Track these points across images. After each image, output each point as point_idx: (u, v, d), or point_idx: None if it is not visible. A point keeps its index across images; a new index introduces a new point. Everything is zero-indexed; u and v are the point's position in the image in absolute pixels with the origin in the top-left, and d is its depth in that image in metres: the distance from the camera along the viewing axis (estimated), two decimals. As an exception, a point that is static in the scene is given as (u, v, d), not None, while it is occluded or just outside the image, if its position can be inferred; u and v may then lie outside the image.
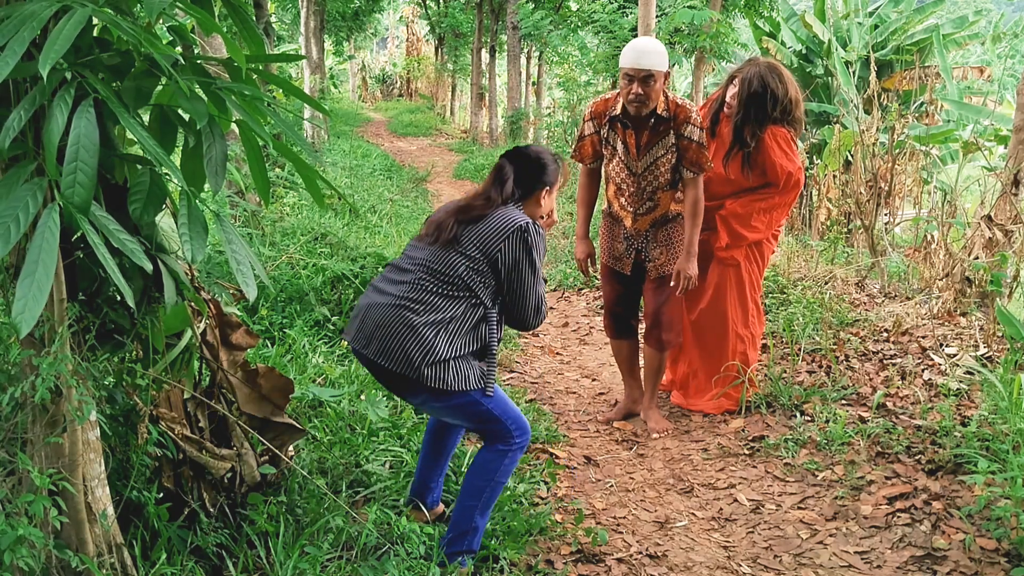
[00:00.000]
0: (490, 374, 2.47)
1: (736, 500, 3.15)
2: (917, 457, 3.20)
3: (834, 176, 7.52)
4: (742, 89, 3.71)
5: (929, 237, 5.71)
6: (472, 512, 2.45)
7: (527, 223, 2.47)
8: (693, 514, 3.06)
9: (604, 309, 3.97)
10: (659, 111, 3.44)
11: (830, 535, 2.85)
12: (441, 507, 2.80)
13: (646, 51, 3.35)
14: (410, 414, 3.37)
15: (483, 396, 2.43)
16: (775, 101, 3.71)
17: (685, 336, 3.98)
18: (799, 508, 3.06)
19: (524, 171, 2.61)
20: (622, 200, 3.68)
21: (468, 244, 2.44)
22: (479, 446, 2.65)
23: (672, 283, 3.65)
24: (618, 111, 3.52)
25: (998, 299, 4.13)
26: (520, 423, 2.50)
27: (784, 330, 4.47)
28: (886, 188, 6.02)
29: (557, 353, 5.03)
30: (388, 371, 2.38)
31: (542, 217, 2.72)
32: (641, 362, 4.00)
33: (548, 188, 2.66)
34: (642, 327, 3.99)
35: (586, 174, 3.79)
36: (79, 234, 1.56)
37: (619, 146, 3.58)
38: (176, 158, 1.99)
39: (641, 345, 3.96)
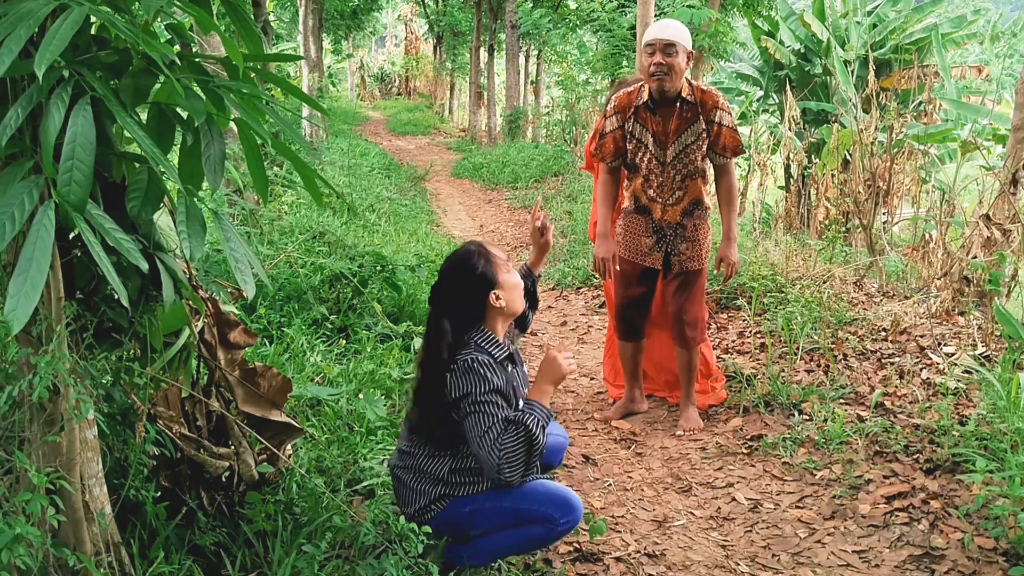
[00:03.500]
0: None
1: (734, 499, 3.15)
2: (915, 456, 3.20)
3: (832, 175, 7.52)
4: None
5: (927, 236, 5.71)
6: (495, 555, 2.43)
7: (460, 359, 2.27)
8: (691, 513, 3.07)
9: (616, 310, 3.89)
10: (685, 95, 3.44)
11: (828, 534, 2.85)
12: None
13: (668, 24, 3.40)
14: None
15: (485, 500, 2.34)
16: None
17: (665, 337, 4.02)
18: (797, 507, 3.06)
19: (457, 297, 2.35)
20: (650, 192, 3.63)
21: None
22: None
23: (716, 271, 3.68)
24: (645, 97, 3.50)
25: (996, 298, 4.13)
26: (559, 501, 2.31)
27: (782, 329, 4.47)
28: (884, 187, 6.02)
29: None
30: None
31: (522, 329, 2.61)
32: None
33: (494, 292, 2.35)
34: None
35: (607, 171, 3.73)
36: (76, 232, 1.56)
37: (647, 136, 3.55)
38: (174, 156, 1.99)
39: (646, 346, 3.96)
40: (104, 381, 2.07)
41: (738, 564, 2.70)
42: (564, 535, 2.39)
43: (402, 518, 2.42)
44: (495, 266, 2.37)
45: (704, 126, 3.48)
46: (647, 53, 3.40)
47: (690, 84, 3.48)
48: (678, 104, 3.46)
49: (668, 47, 3.34)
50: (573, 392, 4.36)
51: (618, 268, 3.76)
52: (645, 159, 3.59)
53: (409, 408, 2.46)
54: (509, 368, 2.40)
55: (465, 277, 2.34)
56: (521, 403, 2.37)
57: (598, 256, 3.73)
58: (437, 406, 2.31)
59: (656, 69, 3.37)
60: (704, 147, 3.51)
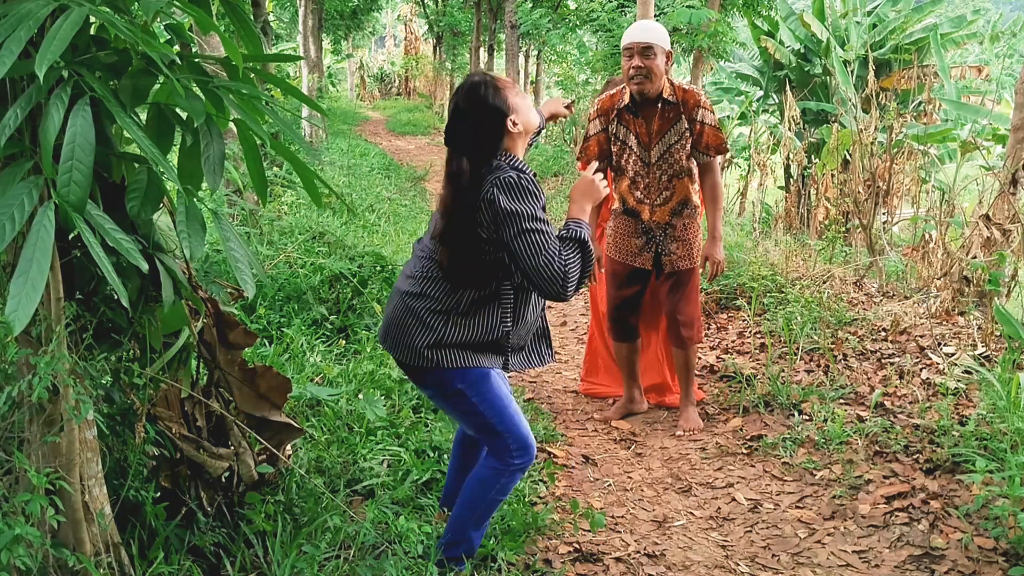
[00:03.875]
0: (496, 361, 2.33)
1: (734, 499, 3.15)
2: (915, 456, 3.20)
3: (832, 175, 7.52)
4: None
5: (927, 236, 5.71)
6: (467, 524, 2.41)
7: (496, 178, 2.18)
8: (691, 513, 3.06)
9: (609, 312, 3.90)
10: (666, 95, 3.44)
11: (828, 534, 2.85)
12: None
13: (646, 26, 3.39)
14: (408, 413, 3.37)
15: (471, 390, 2.30)
16: None
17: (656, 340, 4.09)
18: (797, 507, 3.06)
19: (472, 133, 2.24)
20: (637, 193, 3.64)
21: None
22: None
23: (702, 270, 3.67)
24: (627, 100, 3.51)
25: (996, 298, 4.13)
26: (522, 442, 2.36)
27: (782, 329, 4.47)
28: (884, 187, 6.02)
29: (556, 352, 5.03)
30: (402, 363, 2.37)
31: (536, 135, 2.42)
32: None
33: (510, 119, 2.25)
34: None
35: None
36: (75, 233, 1.56)
37: (631, 138, 3.56)
38: (174, 156, 1.99)
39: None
40: (104, 381, 2.07)
41: (738, 564, 2.70)
42: (510, 482, 2.39)
43: (402, 518, 2.43)
44: (505, 91, 2.27)
45: (687, 125, 3.48)
46: (626, 57, 3.41)
47: (672, 84, 3.49)
48: (660, 105, 3.46)
49: (646, 50, 3.35)
50: (573, 392, 4.36)
51: (605, 270, 3.80)
52: (630, 161, 3.60)
53: (431, 251, 2.34)
54: None
55: (479, 110, 2.24)
56: (565, 220, 2.31)
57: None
58: (470, 245, 2.22)
59: (635, 72, 3.38)
60: (688, 146, 3.51)
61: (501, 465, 2.36)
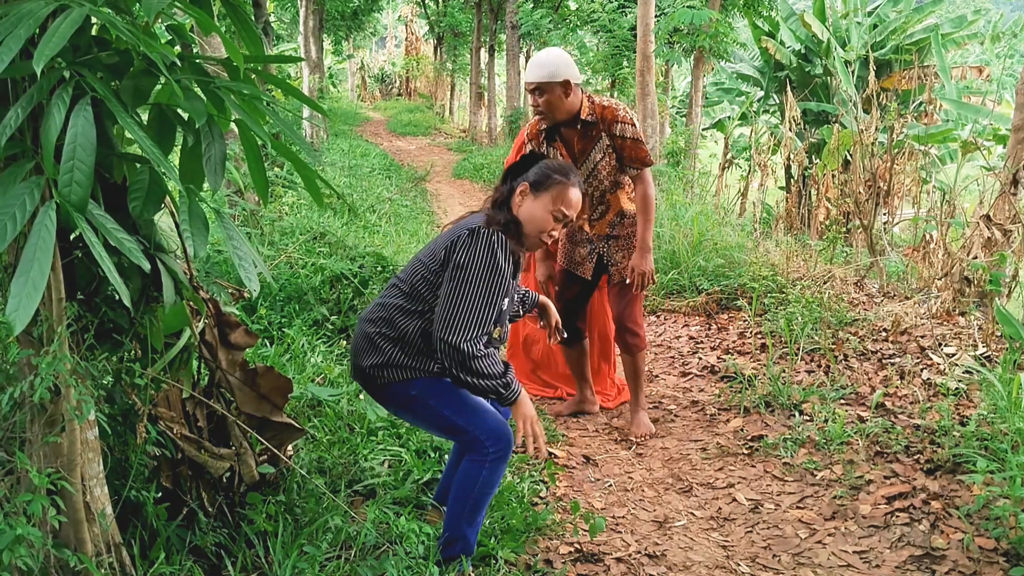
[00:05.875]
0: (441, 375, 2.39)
1: (735, 499, 3.15)
2: (916, 457, 3.20)
3: (833, 176, 7.53)
4: None
5: (928, 237, 5.71)
6: (459, 521, 2.42)
7: (478, 227, 2.32)
8: (692, 513, 3.06)
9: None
10: (584, 116, 3.46)
11: (829, 534, 2.85)
12: None
13: (537, 64, 3.41)
14: (409, 413, 3.36)
15: (426, 394, 2.36)
16: None
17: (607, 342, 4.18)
18: (798, 507, 3.06)
19: (514, 171, 2.50)
20: None
21: (427, 248, 2.43)
22: None
23: (628, 280, 3.67)
24: (546, 124, 3.56)
25: (997, 299, 4.13)
26: (493, 432, 2.37)
27: (783, 330, 4.47)
28: (885, 188, 6.02)
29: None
30: (360, 384, 2.47)
31: (546, 234, 2.46)
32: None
33: (524, 184, 2.44)
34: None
35: None
36: (77, 233, 1.56)
37: (560, 159, 3.59)
38: (175, 157, 1.99)
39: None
40: (105, 382, 2.08)
41: (739, 564, 2.70)
42: (493, 473, 2.38)
43: (402, 518, 2.43)
44: (544, 182, 2.44)
45: (608, 141, 3.51)
46: (528, 94, 3.49)
47: (590, 102, 3.50)
48: (579, 126, 3.50)
49: (535, 90, 3.41)
50: (573, 394, 4.36)
51: (556, 286, 3.88)
52: None
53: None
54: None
55: (532, 161, 2.50)
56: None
57: (538, 279, 3.89)
58: (437, 257, 2.35)
59: (535, 111, 3.49)
60: (613, 161, 3.54)
61: (478, 457, 2.38)
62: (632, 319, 3.74)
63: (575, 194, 2.44)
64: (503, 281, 2.30)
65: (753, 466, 3.42)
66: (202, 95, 1.74)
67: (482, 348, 2.26)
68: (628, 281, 3.66)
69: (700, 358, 4.75)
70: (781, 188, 10.82)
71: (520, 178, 2.47)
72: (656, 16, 9.48)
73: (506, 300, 2.37)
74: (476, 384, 2.27)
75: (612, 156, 3.53)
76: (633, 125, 3.51)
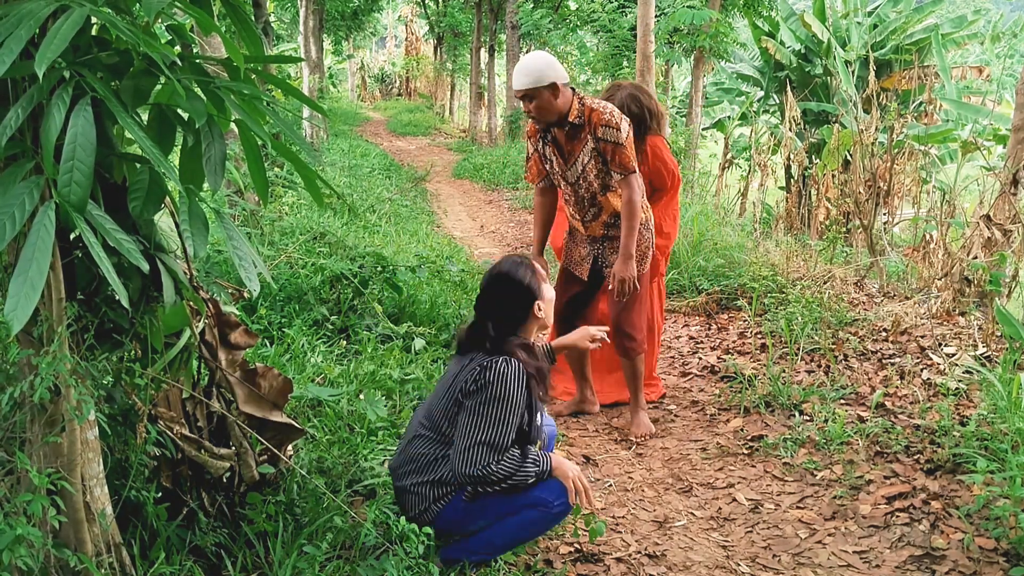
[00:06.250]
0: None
1: (735, 499, 3.15)
2: (916, 457, 3.20)
3: (833, 176, 7.53)
4: (624, 114, 3.76)
5: (928, 237, 5.71)
6: (487, 549, 2.44)
7: (494, 360, 2.38)
8: (692, 513, 3.06)
9: (555, 314, 3.93)
10: (572, 119, 3.44)
11: (829, 534, 2.85)
12: None
13: (521, 71, 3.38)
14: (409, 413, 3.37)
15: (472, 504, 2.39)
16: (651, 115, 3.99)
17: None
18: (798, 507, 3.06)
19: (503, 309, 2.51)
20: (570, 210, 3.73)
21: (439, 391, 2.49)
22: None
23: (610, 287, 3.64)
24: (541, 125, 3.55)
25: (997, 299, 4.13)
26: (552, 484, 2.40)
27: (783, 330, 4.47)
28: (885, 188, 6.02)
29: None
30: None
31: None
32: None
33: (538, 303, 2.54)
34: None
35: (538, 193, 3.80)
36: (76, 233, 1.56)
37: (553, 159, 3.60)
38: (175, 157, 1.99)
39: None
40: (105, 382, 2.08)
41: (739, 564, 2.70)
42: (559, 519, 2.44)
43: (403, 519, 2.43)
44: (539, 279, 2.55)
45: (593, 144, 3.48)
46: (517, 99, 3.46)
47: (580, 103, 3.45)
48: (567, 128, 3.48)
49: (523, 98, 3.39)
50: (572, 394, 4.35)
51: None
52: (558, 180, 3.67)
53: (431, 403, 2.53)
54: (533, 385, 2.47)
55: (514, 288, 2.51)
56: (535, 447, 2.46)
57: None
58: (453, 395, 2.40)
59: (528, 115, 3.48)
60: (600, 164, 3.52)
61: (545, 510, 2.40)
62: (629, 323, 3.73)
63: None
64: (518, 407, 2.36)
65: (753, 466, 3.42)
66: (202, 95, 1.74)
67: (491, 474, 2.32)
68: (610, 288, 3.64)
69: (700, 358, 4.75)
70: (781, 188, 10.81)
71: (528, 301, 2.52)
72: (656, 16, 9.47)
73: (538, 415, 2.48)
74: (510, 485, 2.35)
75: (597, 160, 3.50)
76: (618, 130, 3.42)
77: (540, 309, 2.54)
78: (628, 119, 3.54)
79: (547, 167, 3.68)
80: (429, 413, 2.48)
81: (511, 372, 2.35)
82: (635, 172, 3.49)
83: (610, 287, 3.64)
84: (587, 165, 3.52)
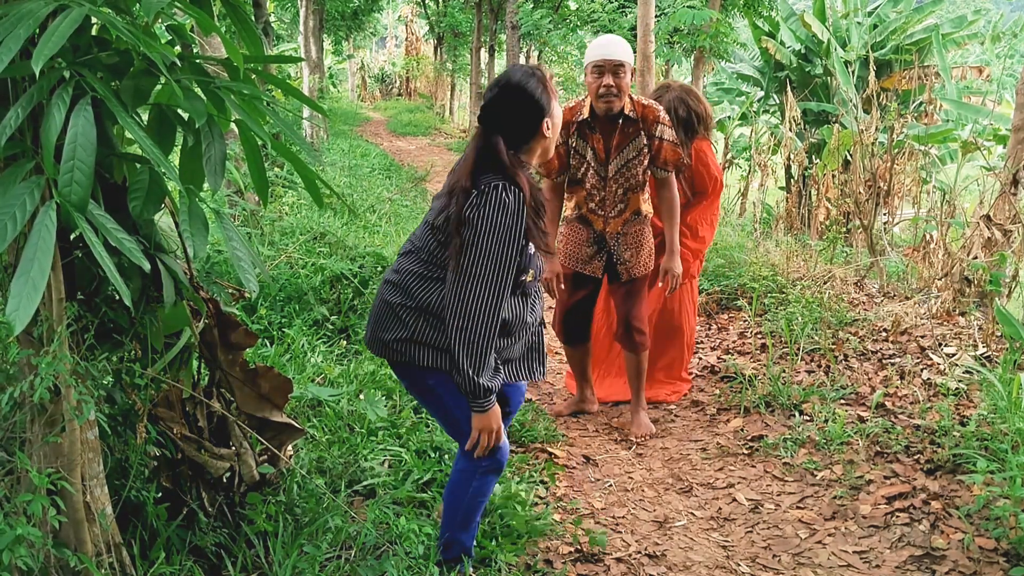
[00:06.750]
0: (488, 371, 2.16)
1: (735, 500, 3.15)
2: (916, 457, 3.20)
3: (833, 176, 7.52)
4: (670, 116, 3.78)
5: (928, 237, 5.71)
6: (452, 526, 2.39)
7: (496, 186, 2.10)
8: (692, 514, 3.06)
9: (556, 315, 3.92)
10: (627, 111, 3.42)
11: (829, 535, 2.85)
12: None
13: (615, 42, 3.35)
14: (409, 413, 3.37)
15: (443, 388, 2.24)
16: (699, 119, 3.97)
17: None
18: (798, 508, 3.06)
19: (511, 123, 2.20)
20: (592, 205, 3.64)
21: (433, 208, 2.25)
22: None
23: (660, 283, 3.71)
24: (585, 115, 3.48)
25: (997, 299, 4.13)
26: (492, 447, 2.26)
27: (783, 330, 4.47)
28: (885, 188, 6.02)
29: (556, 353, 5.03)
30: (377, 354, 2.35)
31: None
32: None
33: (546, 120, 2.24)
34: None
35: (551, 188, 3.68)
36: (77, 233, 1.56)
37: (588, 153, 3.53)
38: (175, 157, 1.99)
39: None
40: (105, 382, 2.08)
41: (739, 565, 2.70)
42: (484, 484, 2.34)
43: (402, 518, 2.43)
44: (550, 94, 2.25)
45: (645, 141, 3.46)
46: (594, 74, 3.36)
47: (631, 99, 3.45)
48: (620, 121, 3.44)
49: (618, 68, 3.32)
50: (574, 394, 4.36)
51: (562, 285, 3.76)
52: (588, 175, 3.58)
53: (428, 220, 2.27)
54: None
55: (524, 100, 2.20)
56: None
57: (543, 278, 3.70)
58: (453, 220, 2.15)
59: (606, 91, 3.35)
60: (645, 162, 3.50)
61: (470, 466, 2.32)
62: (638, 318, 3.74)
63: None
64: (517, 241, 2.13)
65: (753, 466, 3.42)
66: (202, 95, 1.74)
67: (492, 360, 2.15)
68: (660, 284, 3.70)
69: (700, 358, 4.75)
70: (781, 188, 10.81)
71: (538, 115, 2.22)
72: (656, 16, 9.47)
73: (530, 245, 2.21)
74: (467, 377, 2.12)
75: (646, 157, 3.49)
76: (671, 128, 3.48)
77: (548, 127, 2.24)
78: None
79: (573, 160, 3.59)
80: (421, 226, 2.29)
81: (512, 201, 2.10)
82: (682, 169, 3.55)
83: (659, 283, 3.71)
84: (632, 161, 3.49)
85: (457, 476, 2.35)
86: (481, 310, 2.10)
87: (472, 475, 2.32)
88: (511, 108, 2.21)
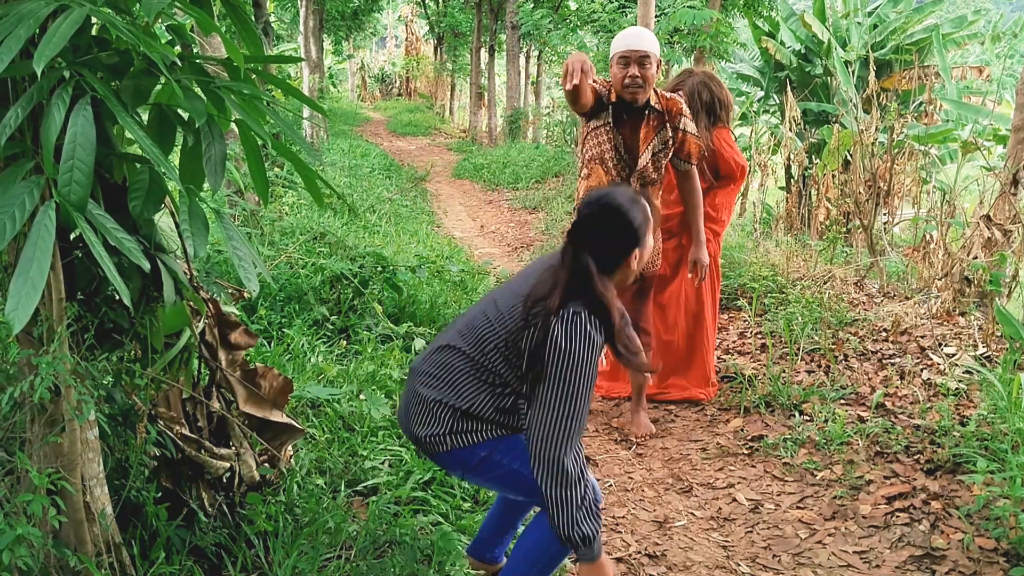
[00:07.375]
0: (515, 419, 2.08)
1: (735, 500, 3.15)
2: (916, 457, 3.20)
3: (833, 176, 7.52)
4: (693, 101, 3.80)
5: (928, 237, 5.71)
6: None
7: (578, 311, 1.96)
8: (692, 514, 3.06)
9: None
10: (652, 103, 3.40)
11: (829, 535, 2.85)
12: (504, 562, 2.44)
13: (641, 33, 3.35)
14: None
15: (497, 453, 2.07)
16: (721, 105, 3.96)
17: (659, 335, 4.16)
18: (798, 508, 3.06)
19: (602, 246, 2.05)
20: None
21: (493, 309, 2.11)
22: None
23: (690, 274, 3.76)
24: (613, 99, 3.42)
25: (997, 299, 4.13)
26: None
27: (783, 330, 4.47)
28: (885, 188, 6.02)
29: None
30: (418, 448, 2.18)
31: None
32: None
33: (636, 250, 2.09)
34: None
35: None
36: (77, 233, 1.56)
37: (619, 140, 3.43)
38: (175, 157, 1.99)
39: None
40: (105, 382, 2.08)
41: (739, 565, 2.70)
42: (565, 552, 2.11)
43: (402, 518, 2.42)
44: (648, 225, 2.11)
45: (670, 133, 3.44)
46: (620, 64, 3.32)
47: (655, 91, 3.44)
48: (647, 112, 3.41)
49: (643, 59, 3.29)
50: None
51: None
52: (614, 160, 3.47)
53: (486, 310, 2.12)
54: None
55: (625, 226, 2.05)
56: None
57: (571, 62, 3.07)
58: (527, 343, 2.00)
59: (631, 82, 3.31)
60: (670, 154, 3.49)
61: (551, 533, 2.04)
62: (645, 319, 3.75)
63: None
64: (595, 370, 2.00)
65: (753, 466, 3.42)
66: (202, 95, 1.74)
67: (586, 476, 1.99)
68: (690, 274, 3.74)
69: (700, 358, 4.74)
70: (781, 188, 10.80)
71: (629, 244, 2.08)
72: (656, 16, 9.48)
73: None
74: (564, 513, 1.95)
75: (670, 150, 3.47)
76: (692, 120, 3.49)
77: (636, 258, 2.09)
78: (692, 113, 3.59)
79: (602, 137, 3.44)
80: (471, 323, 2.11)
81: (596, 334, 1.96)
82: (703, 159, 3.55)
83: (689, 274, 3.76)
84: (659, 154, 3.46)
85: (536, 537, 2.10)
86: (564, 437, 1.94)
87: (554, 540, 2.04)
88: (607, 232, 2.06)
